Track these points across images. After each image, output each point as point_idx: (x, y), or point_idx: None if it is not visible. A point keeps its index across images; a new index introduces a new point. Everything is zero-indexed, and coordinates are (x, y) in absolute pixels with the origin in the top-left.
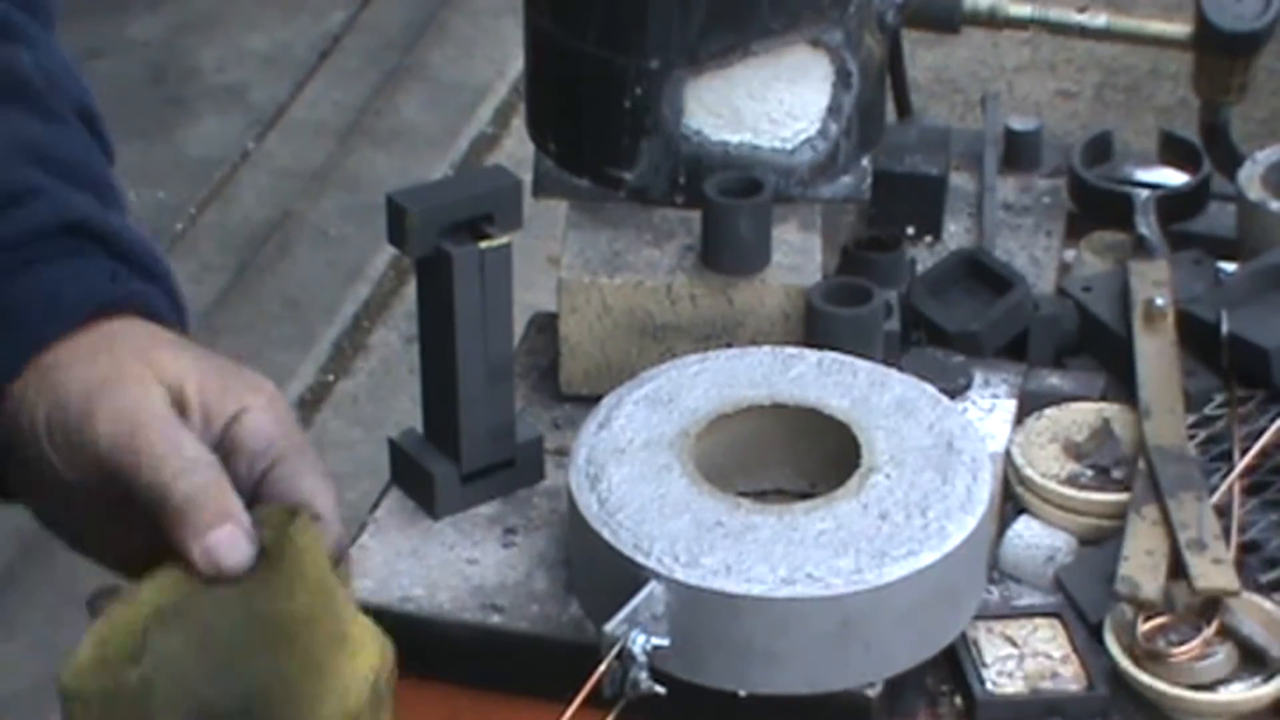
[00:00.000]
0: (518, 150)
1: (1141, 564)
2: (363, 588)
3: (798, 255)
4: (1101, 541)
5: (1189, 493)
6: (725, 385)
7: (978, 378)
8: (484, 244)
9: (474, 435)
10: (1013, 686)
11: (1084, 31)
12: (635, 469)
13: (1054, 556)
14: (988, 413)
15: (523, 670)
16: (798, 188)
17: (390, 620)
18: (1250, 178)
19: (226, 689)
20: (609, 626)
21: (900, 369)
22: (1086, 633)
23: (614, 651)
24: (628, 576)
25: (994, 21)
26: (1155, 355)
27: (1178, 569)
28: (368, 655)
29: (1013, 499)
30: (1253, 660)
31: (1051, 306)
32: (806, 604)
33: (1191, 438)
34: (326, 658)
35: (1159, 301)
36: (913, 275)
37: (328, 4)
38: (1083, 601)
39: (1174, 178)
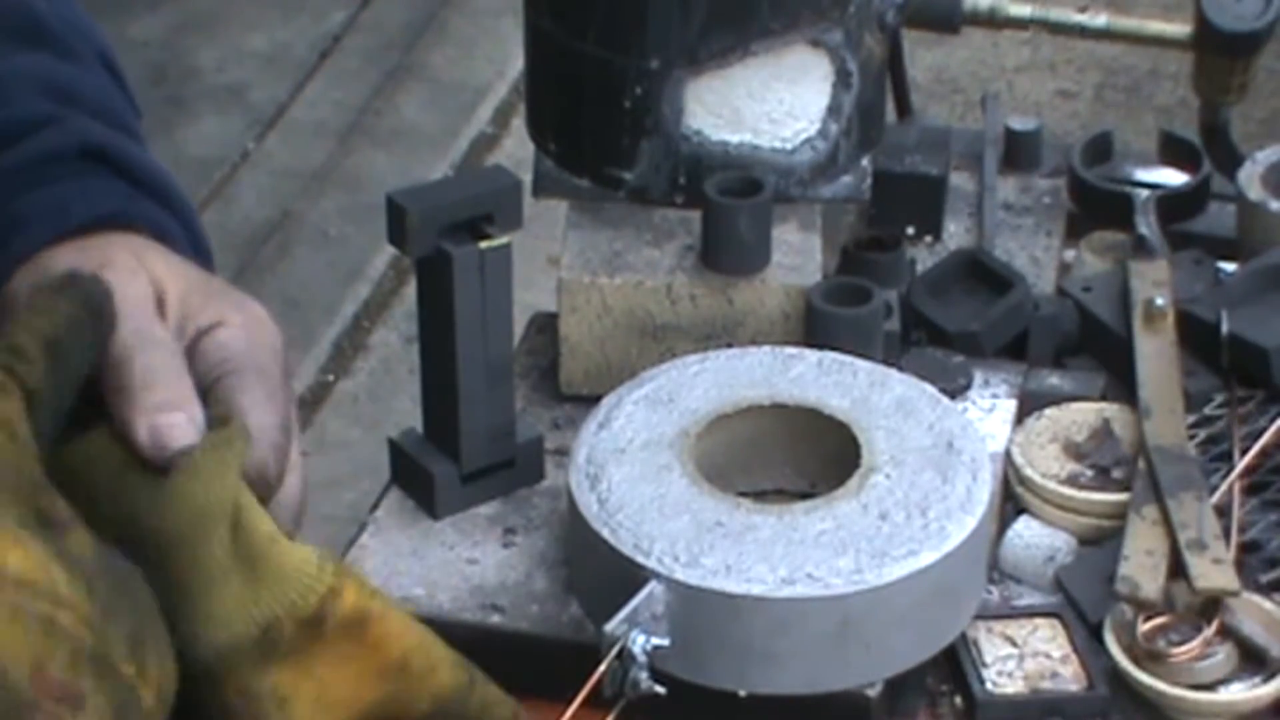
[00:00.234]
0: (518, 150)
1: (1141, 564)
2: None
3: (798, 255)
4: (1101, 541)
5: (1189, 493)
6: (725, 385)
7: (978, 378)
8: (484, 244)
9: (474, 435)
10: (1013, 686)
11: (1084, 31)
12: (635, 469)
13: (1054, 556)
14: (988, 413)
15: (523, 670)
16: (798, 188)
17: None
18: (1250, 178)
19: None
20: (609, 626)
21: (900, 369)
22: (1086, 633)
23: (614, 651)
24: (628, 576)
25: (994, 21)
26: (1155, 355)
27: (1178, 569)
28: (270, 590)
29: (1013, 499)
30: (1253, 660)
31: (1051, 306)
32: (806, 604)
33: (1191, 438)
34: (198, 585)
35: (1159, 301)
36: (913, 275)
37: (328, 4)
38: (1083, 601)
39: (1174, 178)
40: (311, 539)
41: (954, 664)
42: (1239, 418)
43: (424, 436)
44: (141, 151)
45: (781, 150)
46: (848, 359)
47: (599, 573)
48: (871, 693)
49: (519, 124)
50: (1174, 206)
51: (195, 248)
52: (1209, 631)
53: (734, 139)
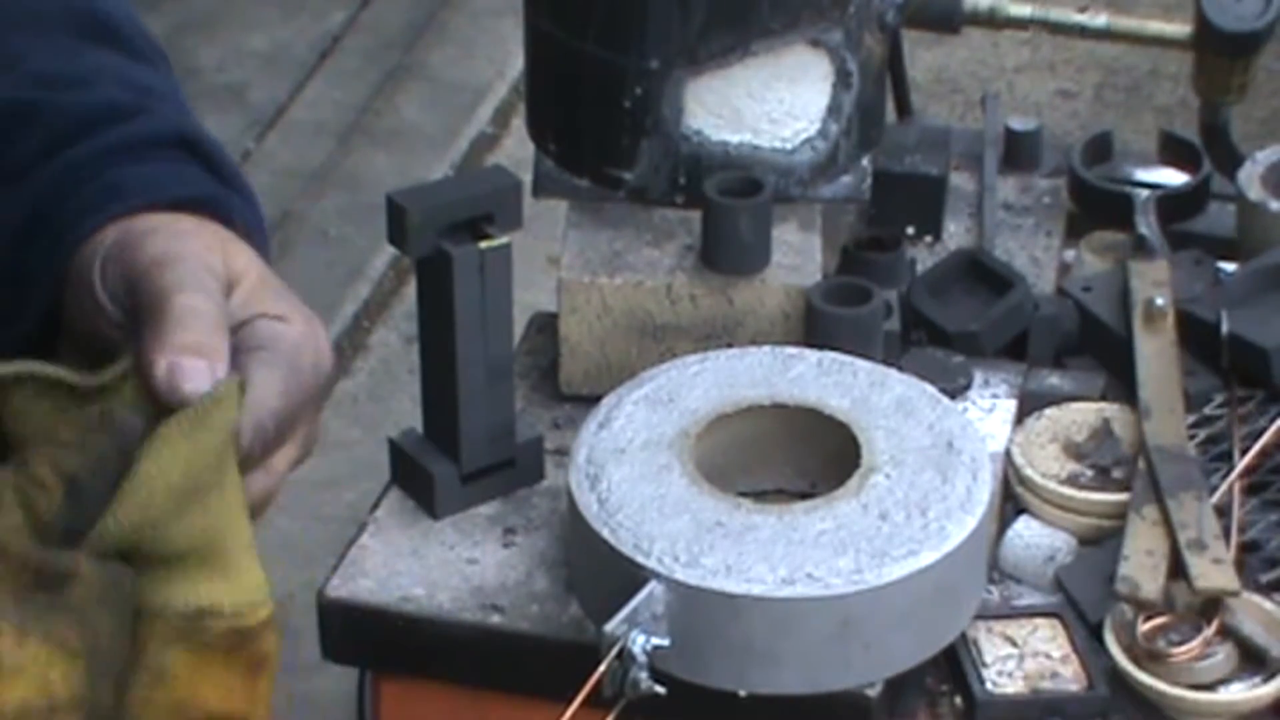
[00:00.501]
0: (518, 150)
1: (1141, 564)
2: (363, 588)
3: (798, 255)
4: (1101, 541)
5: (1189, 493)
6: (725, 385)
7: (978, 378)
8: (484, 244)
9: (474, 435)
10: (1013, 686)
11: (1084, 31)
12: (635, 469)
13: (1054, 556)
14: (988, 413)
15: (523, 670)
16: (798, 188)
17: (390, 620)
18: (1250, 178)
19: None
20: (609, 626)
21: (900, 369)
22: (1086, 633)
23: (614, 651)
24: (628, 576)
25: (994, 21)
26: (1155, 355)
27: (1178, 569)
28: (223, 585)
29: (1013, 499)
30: (1253, 660)
31: (1051, 306)
32: (806, 604)
33: (1191, 438)
34: (161, 547)
35: (1159, 301)
36: (913, 275)
37: (328, 4)
38: (1083, 601)
39: (1174, 178)
40: (311, 539)
41: (954, 664)
42: (1239, 418)
43: (424, 436)
44: (219, 144)
45: (781, 150)
46: (848, 359)
47: (599, 573)
48: (871, 693)
49: (519, 124)
50: (1174, 206)
51: (264, 243)
52: (1209, 631)
53: (734, 139)
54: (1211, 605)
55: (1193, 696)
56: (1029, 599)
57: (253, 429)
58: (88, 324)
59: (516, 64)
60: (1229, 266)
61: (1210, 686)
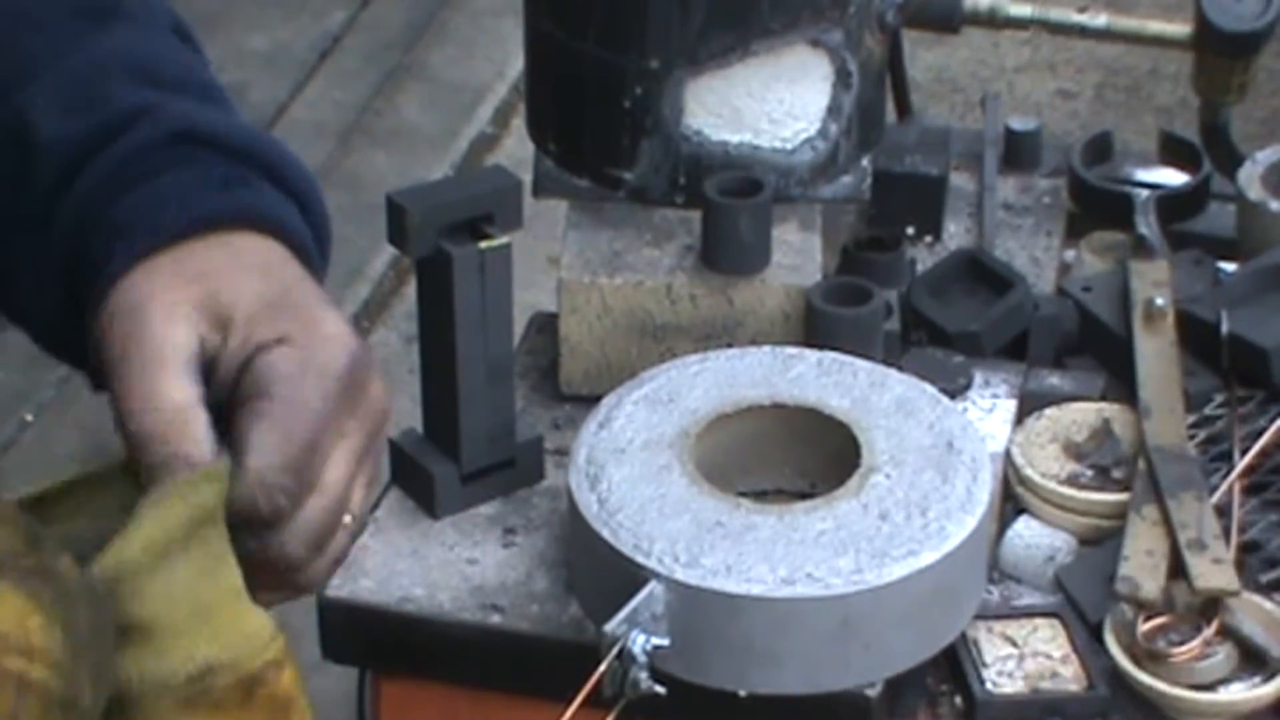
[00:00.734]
0: (518, 150)
1: (1141, 564)
2: (363, 588)
3: (798, 255)
4: (1101, 541)
5: (1189, 493)
6: (725, 385)
7: (978, 378)
8: (484, 244)
9: (474, 435)
10: (1013, 686)
11: (1084, 31)
12: (635, 469)
13: (1054, 556)
14: (988, 413)
15: (523, 670)
16: (798, 188)
17: (390, 620)
18: (1250, 178)
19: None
20: (609, 626)
21: (900, 369)
22: (1086, 633)
23: (614, 651)
24: (628, 576)
25: (994, 21)
26: (1155, 355)
27: (1178, 569)
28: (220, 639)
29: (1013, 499)
30: (1253, 660)
31: (1051, 306)
32: (806, 604)
33: (1191, 438)
34: (144, 614)
35: (1159, 301)
36: (913, 275)
37: (328, 4)
38: (1083, 601)
39: (1174, 178)
40: None
41: (954, 664)
42: (1239, 418)
43: (424, 436)
44: (228, 117)
45: (781, 150)
46: (848, 359)
47: (599, 573)
48: (871, 693)
49: (519, 124)
50: (1174, 206)
51: (305, 208)
52: (1209, 631)
53: (734, 139)
54: (1211, 605)
55: (1193, 696)
56: (1029, 599)
57: (262, 490)
58: None
59: (516, 64)
60: (1229, 266)
61: (1210, 686)
